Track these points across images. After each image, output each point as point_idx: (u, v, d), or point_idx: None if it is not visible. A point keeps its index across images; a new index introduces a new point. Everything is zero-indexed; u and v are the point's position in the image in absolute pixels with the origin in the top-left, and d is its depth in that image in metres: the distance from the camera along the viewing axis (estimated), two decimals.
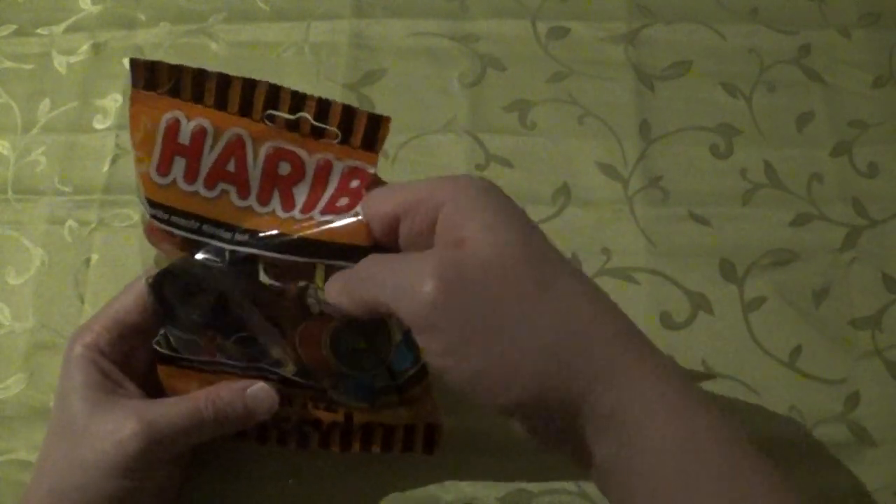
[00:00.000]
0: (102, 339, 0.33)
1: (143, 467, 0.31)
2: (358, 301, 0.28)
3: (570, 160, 0.44)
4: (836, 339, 0.40)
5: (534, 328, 0.25)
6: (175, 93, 0.29)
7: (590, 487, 0.37)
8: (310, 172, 0.29)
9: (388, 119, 0.29)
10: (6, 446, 0.40)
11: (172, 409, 0.32)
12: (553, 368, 0.25)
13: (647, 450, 0.24)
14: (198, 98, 0.29)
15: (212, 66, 0.47)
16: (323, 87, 0.46)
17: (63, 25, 0.50)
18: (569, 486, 0.37)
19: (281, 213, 0.29)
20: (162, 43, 0.48)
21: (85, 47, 0.49)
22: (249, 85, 0.29)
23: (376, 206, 0.28)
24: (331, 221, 0.29)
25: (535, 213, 0.43)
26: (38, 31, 0.50)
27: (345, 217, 0.29)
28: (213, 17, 0.49)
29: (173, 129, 0.29)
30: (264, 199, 0.29)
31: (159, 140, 0.29)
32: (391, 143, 0.43)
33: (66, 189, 0.45)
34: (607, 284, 0.41)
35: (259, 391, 0.32)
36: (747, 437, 0.26)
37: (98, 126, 0.46)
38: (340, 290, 0.28)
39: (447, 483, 0.38)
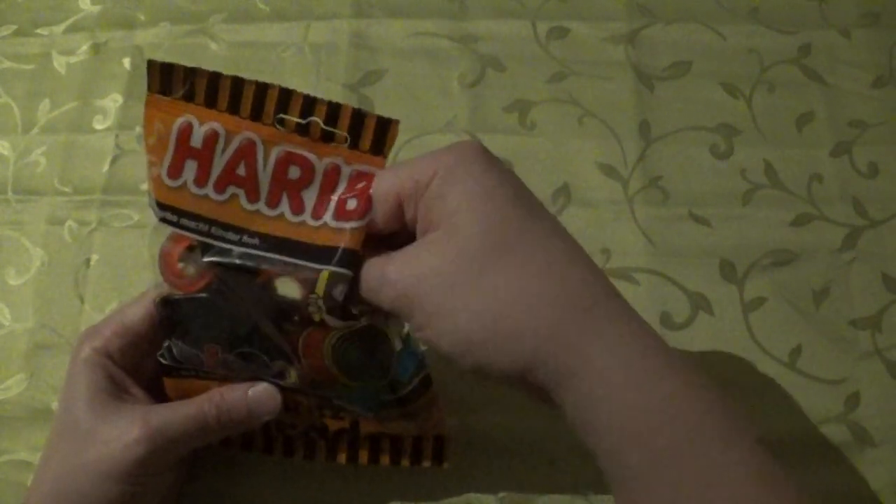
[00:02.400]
0: (112, 345, 0.33)
1: (147, 472, 0.31)
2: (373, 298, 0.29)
3: (570, 160, 0.44)
4: (836, 339, 0.40)
5: (485, 301, 0.26)
6: (189, 97, 0.29)
7: (589, 489, 0.37)
8: (318, 176, 0.29)
9: (396, 122, 0.29)
10: (6, 447, 0.40)
11: (177, 414, 0.32)
12: (502, 338, 0.26)
13: (605, 410, 0.25)
14: (210, 102, 0.29)
15: (212, 67, 0.47)
16: (323, 88, 0.46)
17: (63, 26, 0.50)
18: (568, 486, 0.37)
19: (290, 217, 0.29)
20: (162, 43, 0.48)
21: (85, 47, 0.49)
22: (261, 89, 0.29)
23: (379, 187, 0.29)
24: (339, 227, 0.29)
25: None
26: (38, 31, 0.50)
27: (352, 221, 0.29)
28: (212, 17, 0.49)
29: (186, 132, 0.29)
30: (273, 203, 0.29)
31: (172, 143, 0.29)
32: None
33: (66, 189, 0.45)
34: None
35: (261, 392, 0.32)
36: (725, 404, 0.26)
37: (98, 126, 0.46)
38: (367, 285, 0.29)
39: (447, 483, 0.38)
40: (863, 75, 0.46)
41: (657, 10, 0.48)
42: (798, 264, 0.42)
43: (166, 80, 0.29)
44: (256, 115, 0.29)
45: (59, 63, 0.48)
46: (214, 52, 0.48)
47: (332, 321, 0.30)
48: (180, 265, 0.31)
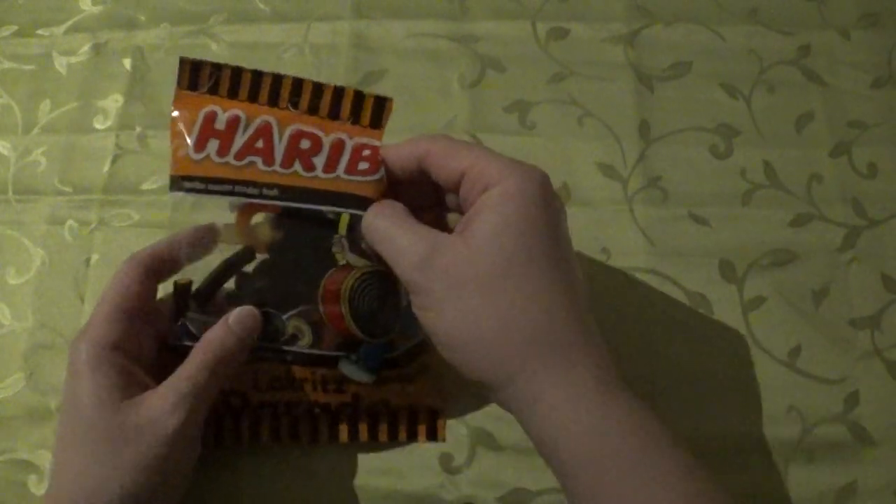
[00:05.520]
0: (106, 332, 0.33)
1: (183, 446, 0.33)
2: (373, 243, 0.33)
3: (570, 160, 0.44)
4: (835, 339, 0.40)
5: (479, 321, 0.30)
6: (214, 91, 0.34)
7: None
8: (326, 147, 0.34)
9: (391, 101, 0.34)
10: (6, 446, 0.40)
11: (184, 373, 0.33)
12: (482, 350, 0.30)
13: (562, 432, 0.29)
14: (233, 94, 0.34)
15: None
16: None
17: (64, 26, 0.50)
18: None
19: (303, 173, 0.34)
20: (162, 44, 0.49)
21: (85, 48, 0.49)
22: (277, 79, 0.34)
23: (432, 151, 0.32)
24: (351, 180, 0.33)
25: None
26: (39, 31, 0.50)
27: (365, 176, 0.33)
28: (213, 17, 0.49)
29: (210, 117, 0.34)
30: (287, 165, 0.34)
31: (198, 126, 0.34)
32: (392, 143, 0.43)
33: (67, 189, 0.45)
34: (607, 284, 0.42)
35: (239, 313, 0.34)
36: (661, 429, 0.29)
37: (98, 126, 0.47)
38: (370, 227, 0.33)
39: (447, 483, 0.38)
40: (862, 76, 0.46)
41: (657, 11, 0.48)
42: (797, 264, 0.42)
43: (194, 77, 0.34)
44: (273, 101, 0.34)
45: (60, 63, 0.49)
46: (215, 53, 0.48)
47: (354, 260, 0.34)
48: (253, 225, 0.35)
